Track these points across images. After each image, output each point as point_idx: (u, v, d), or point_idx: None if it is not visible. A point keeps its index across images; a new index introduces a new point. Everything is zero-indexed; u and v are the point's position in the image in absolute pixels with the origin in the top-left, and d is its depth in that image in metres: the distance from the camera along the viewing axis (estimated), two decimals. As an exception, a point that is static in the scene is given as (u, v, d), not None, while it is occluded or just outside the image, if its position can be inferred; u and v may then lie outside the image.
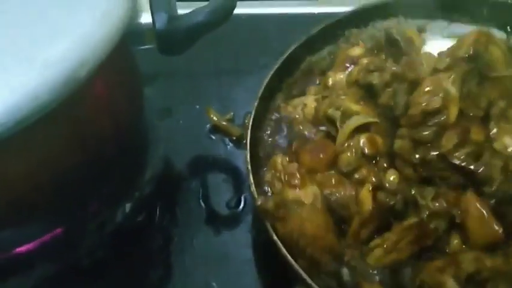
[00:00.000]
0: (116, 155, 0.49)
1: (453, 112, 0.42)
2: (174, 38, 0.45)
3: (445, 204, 0.41)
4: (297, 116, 0.51)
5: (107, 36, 0.39)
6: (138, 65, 0.51)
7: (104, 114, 0.44)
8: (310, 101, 0.51)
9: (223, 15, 0.44)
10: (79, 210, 0.49)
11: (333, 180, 0.44)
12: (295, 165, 0.45)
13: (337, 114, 0.47)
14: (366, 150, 0.44)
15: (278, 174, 0.45)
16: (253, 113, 0.50)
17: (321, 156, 0.46)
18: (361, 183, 0.44)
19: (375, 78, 0.47)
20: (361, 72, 0.49)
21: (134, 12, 0.43)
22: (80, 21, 0.38)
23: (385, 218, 0.43)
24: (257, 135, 0.51)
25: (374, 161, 0.45)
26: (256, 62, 0.65)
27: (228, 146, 0.59)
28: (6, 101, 0.34)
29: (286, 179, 0.44)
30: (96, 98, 0.43)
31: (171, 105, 0.63)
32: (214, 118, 0.60)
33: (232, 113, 0.61)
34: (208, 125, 0.60)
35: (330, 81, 0.52)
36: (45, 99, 0.35)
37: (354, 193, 0.43)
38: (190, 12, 0.44)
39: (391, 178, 0.43)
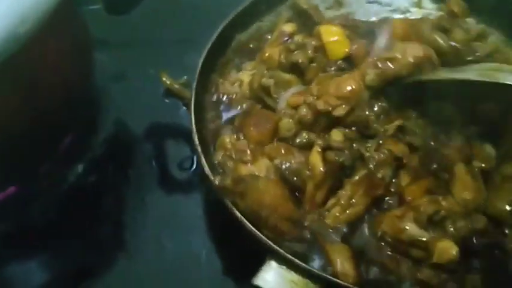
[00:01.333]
0: (67, 117, 0.50)
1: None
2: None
3: (387, 152, 0.44)
4: (235, 93, 0.52)
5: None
6: (87, 26, 0.51)
7: (52, 74, 0.44)
8: (246, 77, 0.52)
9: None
10: (31, 169, 0.50)
11: (282, 150, 0.45)
12: (244, 142, 0.46)
13: (270, 83, 0.47)
14: (305, 113, 0.45)
15: (228, 153, 0.46)
16: (193, 94, 0.49)
17: (265, 127, 0.46)
18: (308, 147, 0.45)
19: (299, 57, 0.48)
20: (283, 53, 0.49)
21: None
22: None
23: (337, 178, 0.44)
24: (202, 116, 0.51)
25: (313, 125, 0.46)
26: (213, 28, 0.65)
27: (181, 110, 0.59)
28: None
29: (237, 156, 0.45)
30: (42, 57, 0.43)
31: (125, 70, 0.63)
32: (167, 82, 0.60)
33: (185, 77, 0.61)
34: (162, 89, 0.61)
35: (266, 55, 0.52)
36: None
37: (303, 159, 0.44)
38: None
39: (337, 137, 0.45)
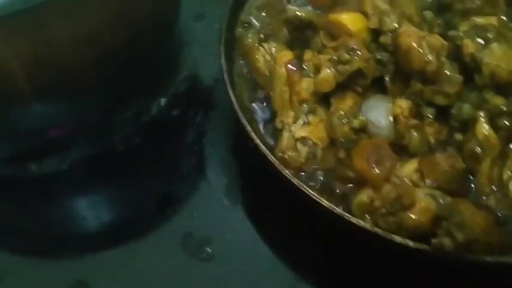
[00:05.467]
0: (154, 47, 0.50)
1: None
2: None
3: None
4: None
5: None
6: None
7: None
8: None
9: None
10: (117, 97, 0.50)
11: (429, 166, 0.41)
12: (389, 188, 0.39)
13: (364, 120, 0.43)
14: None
15: (382, 211, 0.39)
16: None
17: (390, 158, 0.41)
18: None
19: (357, 63, 0.43)
20: (333, 68, 0.44)
21: None
22: None
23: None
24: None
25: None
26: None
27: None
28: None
29: (395, 207, 0.39)
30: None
31: (205, 11, 0.62)
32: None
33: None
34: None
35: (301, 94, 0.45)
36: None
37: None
38: None
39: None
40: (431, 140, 0.42)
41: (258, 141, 0.42)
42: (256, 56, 0.49)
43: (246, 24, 0.51)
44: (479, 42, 0.41)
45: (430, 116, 0.42)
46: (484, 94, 0.41)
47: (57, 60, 0.40)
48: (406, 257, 0.39)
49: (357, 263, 0.45)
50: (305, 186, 0.40)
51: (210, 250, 0.46)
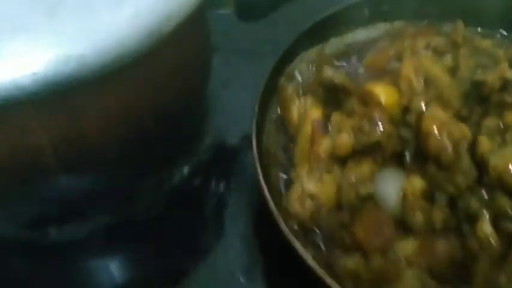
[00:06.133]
0: (181, 120, 0.50)
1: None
2: (253, 4, 0.45)
3: None
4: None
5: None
6: (209, 31, 0.52)
7: (177, 77, 0.45)
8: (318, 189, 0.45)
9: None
10: (141, 168, 0.50)
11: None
12: (378, 261, 0.40)
13: (372, 189, 0.43)
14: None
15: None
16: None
17: (389, 232, 0.41)
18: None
19: (376, 136, 0.43)
20: (354, 137, 0.44)
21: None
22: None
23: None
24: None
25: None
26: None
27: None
28: (95, 44, 0.35)
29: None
30: (172, 57, 0.44)
31: (230, 77, 0.63)
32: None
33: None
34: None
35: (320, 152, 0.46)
36: (131, 48, 0.36)
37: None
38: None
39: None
40: (438, 224, 0.41)
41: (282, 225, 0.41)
42: (292, 108, 0.50)
43: (290, 76, 0.52)
44: (497, 141, 0.41)
45: (443, 201, 0.41)
46: (493, 193, 0.39)
47: (85, 139, 0.40)
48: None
49: None
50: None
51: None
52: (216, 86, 0.60)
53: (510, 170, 0.38)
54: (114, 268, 0.50)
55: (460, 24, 0.51)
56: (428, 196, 0.42)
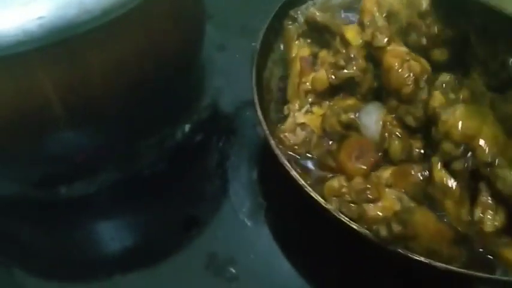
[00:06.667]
0: (179, 76, 0.52)
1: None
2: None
3: None
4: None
5: None
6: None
7: (176, 29, 0.47)
8: (308, 119, 0.48)
9: None
10: (143, 124, 0.52)
11: (400, 174, 0.43)
12: (359, 180, 0.42)
13: (352, 117, 0.46)
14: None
15: (346, 198, 0.41)
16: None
17: (370, 156, 0.44)
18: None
19: (353, 72, 0.46)
20: (331, 72, 0.47)
21: None
22: None
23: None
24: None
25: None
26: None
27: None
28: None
29: (360, 198, 0.41)
30: (170, 12, 0.45)
31: (226, 42, 0.65)
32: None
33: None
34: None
35: (307, 84, 0.49)
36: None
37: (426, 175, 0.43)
38: None
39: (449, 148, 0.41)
40: (415, 151, 0.44)
41: (287, 164, 0.42)
42: (292, 48, 0.53)
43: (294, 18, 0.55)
44: (450, 98, 0.43)
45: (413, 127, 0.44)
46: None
47: (89, 88, 0.42)
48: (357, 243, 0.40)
49: (383, 280, 0.46)
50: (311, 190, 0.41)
51: (234, 270, 0.47)
52: (212, 50, 0.62)
53: (458, 126, 0.40)
54: (123, 222, 0.52)
55: None
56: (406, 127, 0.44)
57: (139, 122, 0.50)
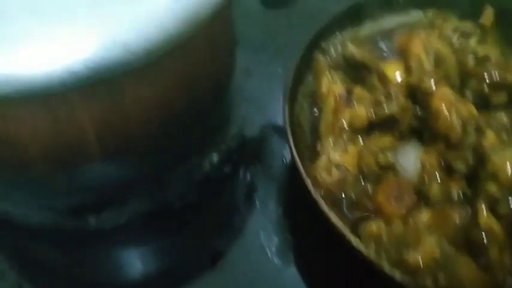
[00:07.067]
0: (210, 106, 0.52)
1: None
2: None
3: None
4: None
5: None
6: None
7: (211, 63, 0.47)
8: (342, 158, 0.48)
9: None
10: (174, 155, 0.52)
11: (441, 218, 0.43)
12: (399, 226, 0.42)
13: (390, 158, 0.46)
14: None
15: (386, 243, 0.41)
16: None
17: (410, 199, 0.44)
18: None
19: (393, 108, 0.46)
20: (372, 108, 0.47)
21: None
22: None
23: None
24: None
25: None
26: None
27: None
28: (139, 30, 0.36)
29: (400, 244, 0.41)
30: (205, 46, 0.45)
31: (253, 69, 0.65)
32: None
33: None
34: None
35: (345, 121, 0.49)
36: (171, 32, 0.38)
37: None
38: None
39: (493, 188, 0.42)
40: (455, 195, 0.43)
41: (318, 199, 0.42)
42: (322, 82, 0.52)
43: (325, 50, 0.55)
44: (503, 139, 0.43)
45: (461, 170, 0.44)
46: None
47: (125, 124, 0.42)
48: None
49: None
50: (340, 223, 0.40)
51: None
52: (239, 77, 0.62)
53: (507, 169, 0.40)
54: (151, 254, 0.52)
55: (490, 11, 0.54)
56: (447, 167, 0.44)
57: (169, 153, 0.50)
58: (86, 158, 0.43)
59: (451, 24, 0.52)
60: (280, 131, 0.59)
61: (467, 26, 0.53)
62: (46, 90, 0.35)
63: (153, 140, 0.45)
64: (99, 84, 0.37)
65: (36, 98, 0.36)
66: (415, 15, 0.59)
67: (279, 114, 0.59)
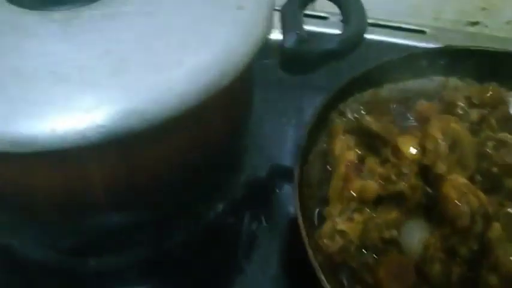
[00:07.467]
0: (223, 160, 0.52)
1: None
2: (299, 59, 0.47)
3: None
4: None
5: (248, 51, 0.42)
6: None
7: (224, 121, 0.47)
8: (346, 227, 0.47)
9: (352, 46, 0.46)
10: (181, 206, 0.52)
11: None
12: None
13: (396, 234, 0.45)
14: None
15: None
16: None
17: (408, 279, 0.44)
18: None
19: (402, 186, 0.45)
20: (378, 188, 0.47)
21: (269, 29, 0.45)
22: (226, 35, 0.41)
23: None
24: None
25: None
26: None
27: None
28: (157, 100, 0.37)
29: None
30: (222, 111, 0.46)
31: (266, 116, 0.65)
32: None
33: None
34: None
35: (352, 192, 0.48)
36: (189, 102, 0.38)
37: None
38: (321, 38, 0.46)
39: None
40: (454, 277, 0.43)
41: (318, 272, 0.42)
42: (336, 144, 0.51)
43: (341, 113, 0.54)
44: (510, 233, 0.42)
45: (464, 256, 0.43)
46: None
47: (136, 181, 0.42)
48: None
49: None
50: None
51: None
52: (252, 124, 0.62)
53: (509, 264, 0.40)
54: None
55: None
56: (449, 250, 0.43)
57: (175, 204, 0.51)
58: (93, 208, 0.44)
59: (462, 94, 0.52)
60: (289, 182, 0.59)
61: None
62: (60, 150, 0.36)
63: (161, 193, 0.46)
64: (111, 147, 0.37)
65: (49, 157, 0.37)
66: (437, 80, 0.58)
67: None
